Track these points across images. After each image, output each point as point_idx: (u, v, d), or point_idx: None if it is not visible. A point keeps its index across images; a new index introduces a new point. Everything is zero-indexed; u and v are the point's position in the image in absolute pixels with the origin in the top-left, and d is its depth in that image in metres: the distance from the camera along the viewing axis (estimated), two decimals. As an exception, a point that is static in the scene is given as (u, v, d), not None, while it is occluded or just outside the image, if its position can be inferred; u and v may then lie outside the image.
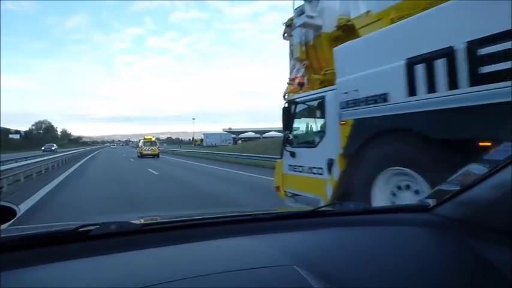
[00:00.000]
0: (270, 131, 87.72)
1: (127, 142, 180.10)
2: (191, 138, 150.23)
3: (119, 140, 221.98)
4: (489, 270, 0.97)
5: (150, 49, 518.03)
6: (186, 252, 1.02)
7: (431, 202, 1.34)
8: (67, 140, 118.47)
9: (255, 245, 1.07)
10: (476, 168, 1.19)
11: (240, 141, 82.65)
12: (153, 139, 32.84)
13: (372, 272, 0.92)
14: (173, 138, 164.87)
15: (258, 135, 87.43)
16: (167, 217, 1.43)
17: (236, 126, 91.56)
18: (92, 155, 37.44)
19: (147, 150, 30.17)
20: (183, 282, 0.81)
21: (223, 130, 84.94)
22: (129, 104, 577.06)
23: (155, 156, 29.78)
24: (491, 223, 1.06)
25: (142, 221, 1.16)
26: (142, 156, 29.54)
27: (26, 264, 0.83)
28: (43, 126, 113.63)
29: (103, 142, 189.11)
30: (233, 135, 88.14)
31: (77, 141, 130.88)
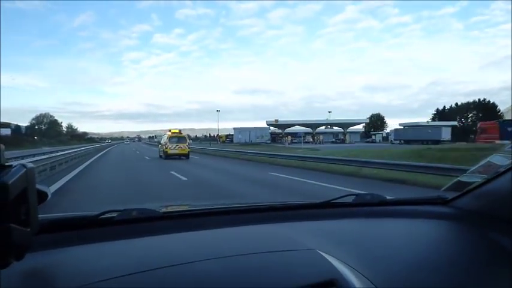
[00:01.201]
0: (322, 124, 78.09)
1: (139, 138, 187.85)
2: (208, 135, 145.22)
3: (127, 137, 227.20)
4: (509, 262, 1.02)
5: (157, 46, 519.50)
6: (209, 236, 1.10)
7: (450, 194, 1.41)
8: (69, 136, 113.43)
9: (277, 231, 1.17)
10: (498, 160, 1.26)
11: (288, 138, 70.15)
12: (182, 134, 25.10)
13: (391, 262, 0.98)
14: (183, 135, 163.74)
15: (309, 130, 75.69)
16: (188, 206, 1.54)
17: (283, 118, 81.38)
18: (90, 162, 21.49)
19: (174, 148, 23.00)
20: (208, 262, 0.88)
21: (268, 123, 71.61)
22: (136, 101, 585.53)
23: (183, 156, 23.07)
24: (511, 215, 1.11)
25: (163, 209, 1.25)
26: (167, 156, 22.61)
27: (54, 246, 0.92)
28: (44, 120, 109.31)
29: (111, 139, 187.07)
30: (270, 130, 79.20)
31: (82, 137, 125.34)
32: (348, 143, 62.41)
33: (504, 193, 1.14)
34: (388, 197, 1.48)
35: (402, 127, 67.59)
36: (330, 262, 0.89)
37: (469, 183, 1.30)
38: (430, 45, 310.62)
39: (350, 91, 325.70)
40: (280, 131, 75.40)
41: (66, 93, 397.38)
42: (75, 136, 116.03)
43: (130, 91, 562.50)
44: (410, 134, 55.30)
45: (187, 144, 23.97)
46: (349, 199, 1.43)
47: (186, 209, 1.43)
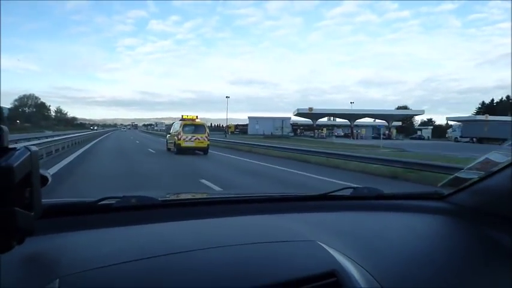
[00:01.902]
0: (364, 115, 68.67)
1: (136, 126, 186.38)
2: (209, 124, 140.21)
3: (121, 124, 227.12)
4: (504, 257, 1.07)
5: (153, 33, 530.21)
6: (208, 225, 1.14)
7: (447, 190, 1.48)
8: (56, 121, 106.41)
9: (277, 222, 1.21)
10: (495, 157, 1.31)
11: (324, 130, 63.12)
12: (200, 121, 20.38)
13: (388, 255, 1.03)
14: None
15: (345, 121, 66.81)
16: (187, 194, 1.60)
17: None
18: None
19: (190, 140, 18.08)
20: (209, 251, 0.90)
21: (299, 112, 61.16)
22: (130, 88, 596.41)
23: (200, 150, 18.33)
24: (506, 212, 1.16)
25: (163, 197, 1.29)
26: (179, 150, 17.86)
27: (53, 231, 0.95)
28: (29, 102, 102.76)
29: (104, 126, 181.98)
30: (291, 122, 71.39)
31: (70, 123, 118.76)
32: (395, 139, 54.86)
33: (499, 190, 1.19)
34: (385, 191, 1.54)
35: (458, 122, 58.76)
36: (330, 253, 0.93)
37: (466, 180, 1.35)
38: (428, 41, 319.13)
39: (345, 85, 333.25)
40: (309, 121, 67.58)
41: (58, 78, 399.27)
42: (62, 121, 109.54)
43: (124, 78, 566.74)
44: (490, 131, 45.42)
45: (206, 134, 18.75)
46: (347, 192, 1.48)
47: (185, 198, 1.48)
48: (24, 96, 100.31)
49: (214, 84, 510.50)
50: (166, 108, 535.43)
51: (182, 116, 20.70)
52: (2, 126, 0.58)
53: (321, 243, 0.97)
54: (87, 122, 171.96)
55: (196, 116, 21.17)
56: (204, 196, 1.51)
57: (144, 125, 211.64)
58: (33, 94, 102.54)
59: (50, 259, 0.86)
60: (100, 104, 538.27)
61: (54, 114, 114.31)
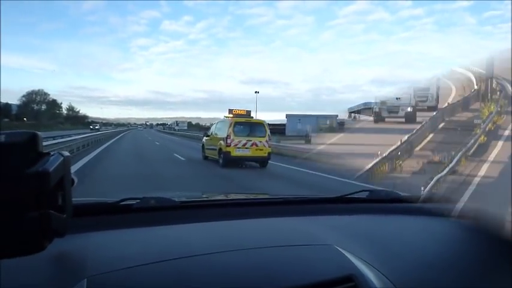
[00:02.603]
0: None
1: (151, 125, 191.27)
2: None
3: (134, 123, 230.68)
4: None
5: (166, 33, 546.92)
6: (227, 228, 1.18)
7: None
8: (63, 119, 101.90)
9: (294, 225, 1.25)
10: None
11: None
12: (256, 119, 14.99)
13: (406, 260, 1.04)
14: (193, 123, 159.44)
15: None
16: (205, 196, 1.66)
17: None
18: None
19: (244, 146, 12.69)
20: (228, 254, 0.93)
21: (364, 104, 55.29)
22: (143, 88, 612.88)
23: (258, 162, 13.22)
24: None
25: (181, 198, 1.33)
26: (227, 161, 12.60)
27: (76, 231, 0.95)
28: (38, 98, 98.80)
29: (117, 125, 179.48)
30: (339, 118, 64.22)
31: (80, 121, 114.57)
32: None
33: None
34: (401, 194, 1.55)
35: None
36: (347, 258, 0.94)
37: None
38: (442, 39, 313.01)
39: (358, 84, 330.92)
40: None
41: (75, 78, 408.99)
42: (71, 119, 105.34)
43: (137, 78, 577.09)
44: None
45: (267, 138, 13.15)
46: (363, 195, 1.50)
47: (202, 200, 1.54)
48: (33, 92, 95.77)
49: (225, 84, 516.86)
50: (179, 107, 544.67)
51: (231, 110, 14.80)
52: (36, 132, 0.62)
53: (337, 247, 0.98)
54: (99, 121, 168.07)
55: (249, 112, 15.10)
56: (222, 198, 1.55)
57: (158, 124, 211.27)
58: (42, 90, 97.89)
59: (75, 259, 0.90)
60: (114, 104, 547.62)
61: (65, 112, 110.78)
